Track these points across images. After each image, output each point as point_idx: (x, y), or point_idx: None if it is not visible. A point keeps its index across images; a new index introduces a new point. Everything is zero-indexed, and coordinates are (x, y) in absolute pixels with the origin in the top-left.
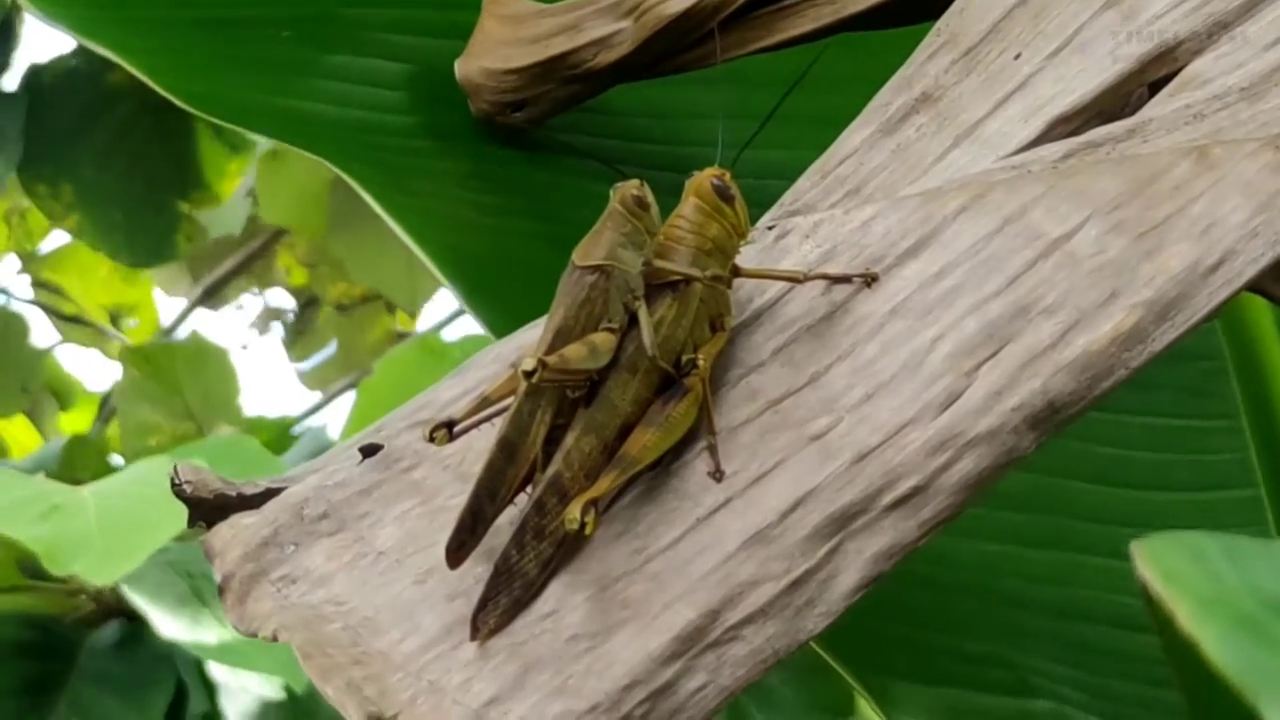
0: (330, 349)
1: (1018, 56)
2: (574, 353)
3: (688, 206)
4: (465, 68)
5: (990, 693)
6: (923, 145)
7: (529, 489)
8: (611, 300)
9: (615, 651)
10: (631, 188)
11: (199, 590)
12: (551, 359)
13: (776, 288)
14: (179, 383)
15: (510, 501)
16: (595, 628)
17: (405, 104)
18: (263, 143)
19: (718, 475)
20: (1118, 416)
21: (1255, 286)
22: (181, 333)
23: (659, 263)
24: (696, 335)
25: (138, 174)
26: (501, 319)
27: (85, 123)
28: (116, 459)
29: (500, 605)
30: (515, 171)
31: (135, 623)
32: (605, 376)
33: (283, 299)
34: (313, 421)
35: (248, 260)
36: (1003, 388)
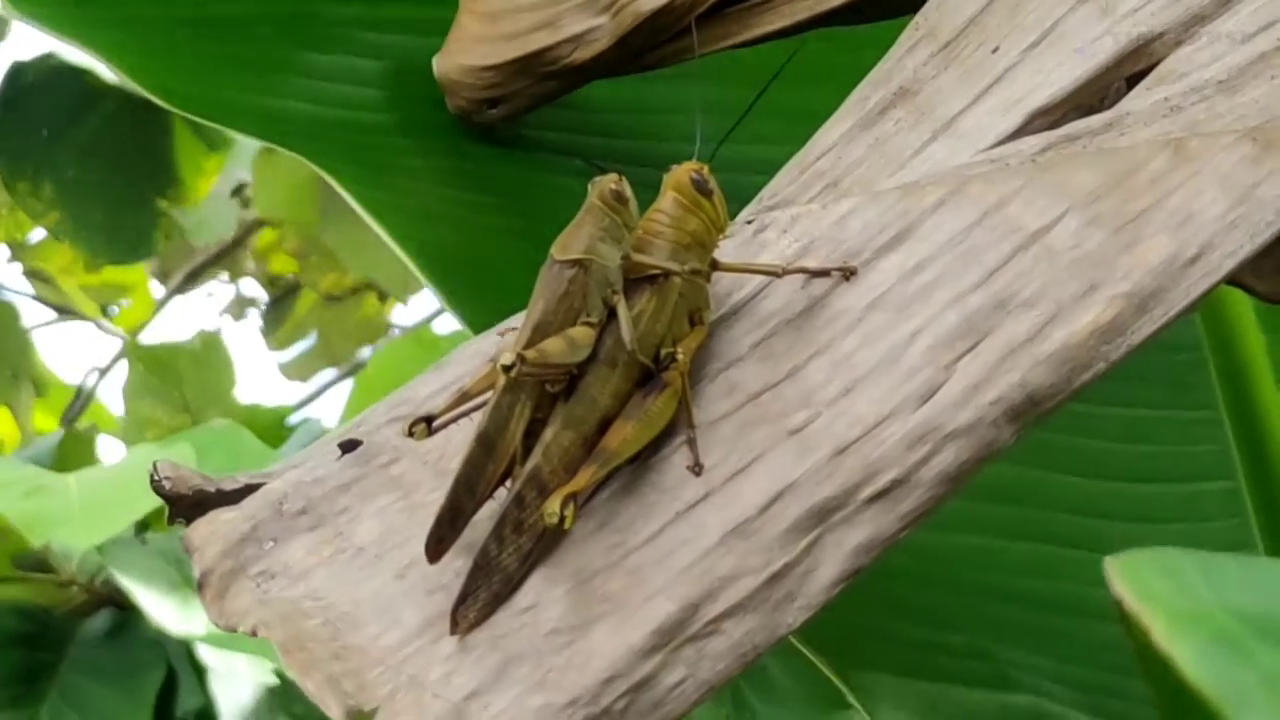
0: (310, 340)
1: (995, 50)
2: (553, 347)
3: (666, 201)
4: (443, 64)
5: (970, 686)
6: (901, 139)
7: (508, 483)
8: (590, 294)
9: (595, 645)
10: (610, 182)
11: (188, 577)
12: (530, 353)
13: (754, 282)
14: (180, 379)
15: (489, 496)
16: (575, 621)
17: (383, 101)
18: (249, 142)
19: (697, 469)
20: (1098, 408)
21: (1233, 279)
22: (160, 320)
23: (638, 257)
24: (675, 329)
25: (118, 172)
26: (480, 316)
27: (67, 121)
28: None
29: (480, 599)
30: (492, 169)
31: (125, 612)
32: (584, 371)
33: (255, 288)
34: (307, 412)
35: (225, 250)
36: (981, 381)
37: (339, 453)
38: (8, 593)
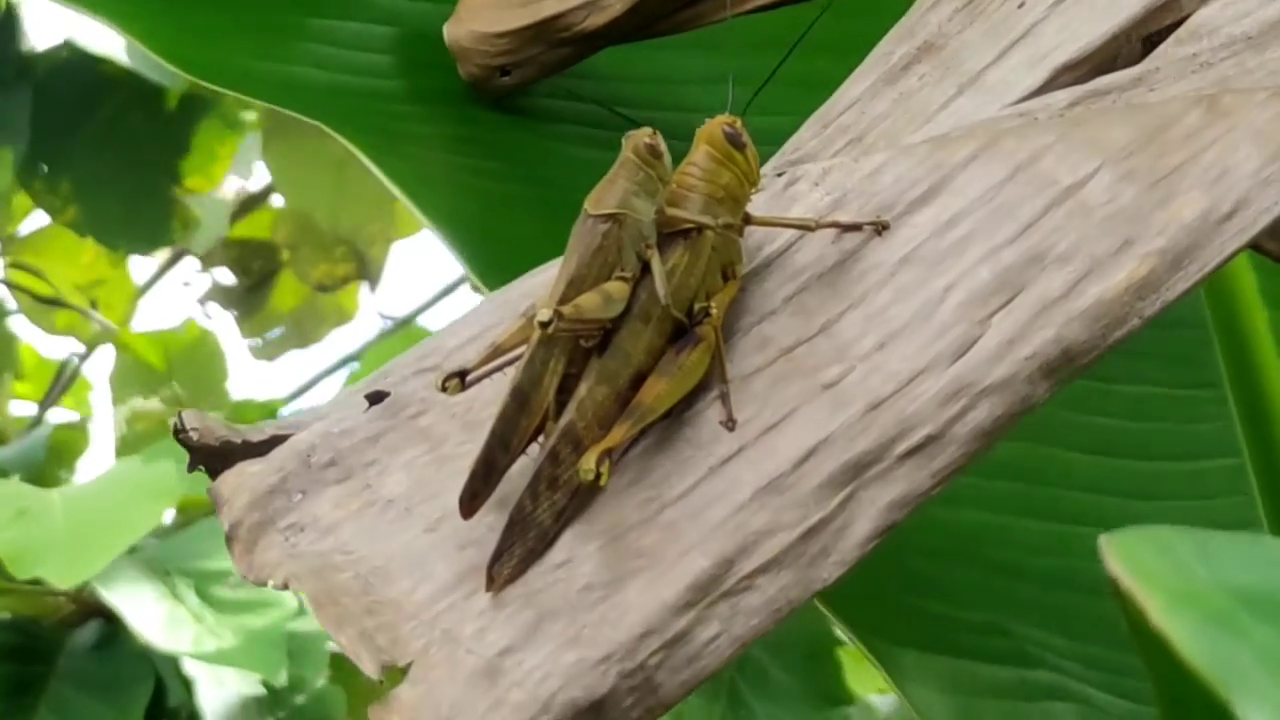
0: (280, 325)
1: (1021, 5)
2: (589, 302)
3: (699, 154)
4: (454, 31)
5: (991, 663)
6: (926, 94)
7: (540, 439)
8: (625, 249)
9: (629, 601)
10: (644, 136)
11: (175, 590)
12: (567, 309)
13: (786, 235)
14: (170, 370)
15: (522, 451)
16: (609, 577)
17: (395, 68)
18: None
19: (730, 424)
20: (1105, 385)
21: (1252, 243)
22: (143, 308)
23: (672, 211)
24: (709, 283)
25: (132, 162)
26: (497, 281)
27: (81, 113)
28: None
29: (515, 555)
30: (505, 136)
31: (114, 622)
32: (618, 326)
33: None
34: (299, 405)
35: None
36: (1016, 336)
37: (366, 404)
38: None
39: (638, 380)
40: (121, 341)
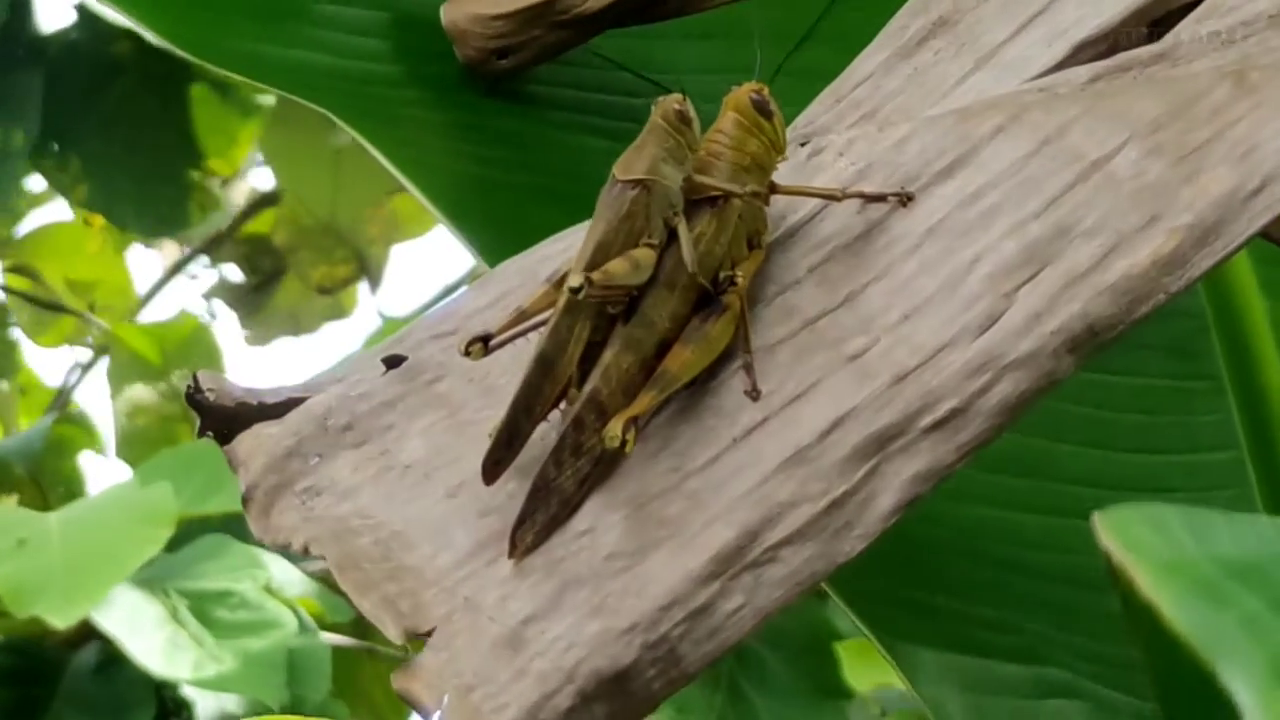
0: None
1: None
2: (617, 268)
3: (727, 121)
4: (452, 13)
5: (1003, 660)
6: (941, 69)
7: (562, 406)
8: (652, 215)
9: (653, 571)
10: (674, 102)
11: (175, 613)
12: (596, 275)
13: (810, 205)
14: (166, 362)
15: (543, 418)
16: (632, 546)
17: (394, 53)
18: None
19: (754, 394)
20: (1105, 377)
21: (1261, 231)
22: (152, 309)
23: (699, 178)
24: (735, 252)
25: (142, 143)
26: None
27: (92, 94)
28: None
29: (537, 523)
30: (506, 123)
31: (115, 643)
32: (644, 293)
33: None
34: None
35: (217, 238)
36: (1042, 310)
37: (383, 368)
38: None
39: (663, 348)
40: (117, 335)
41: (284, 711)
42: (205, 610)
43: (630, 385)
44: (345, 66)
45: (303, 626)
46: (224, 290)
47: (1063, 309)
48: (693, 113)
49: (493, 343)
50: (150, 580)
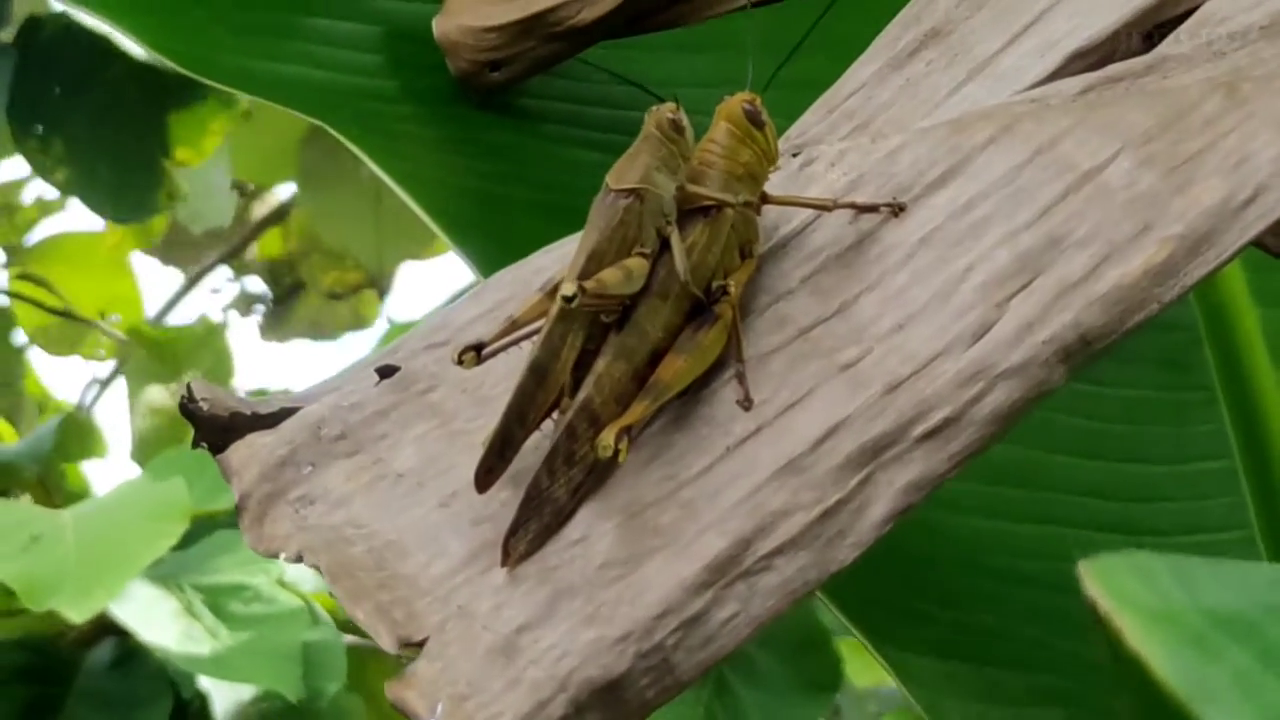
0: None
1: None
2: (610, 277)
3: (719, 131)
4: (444, 25)
5: (996, 667)
6: (934, 80)
7: (555, 415)
8: (645, 224)
9: (647, 579)
10: (668, 111)
11: (190, 604)
12: (590, 283)
13: (802, 215)
14: (180, 364)
15: (537, 427)
16: (626, 555)
17: (387, 67)
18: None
19: (746, 404)
20: (1099, 389)
21: (1255, 239)
22: (170, 320)
23: (692, 187)
24: (727, 262)
25: (127, 132)
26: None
27: (81, 78)
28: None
29: (530, 531)
30: (499, 137)
31: (130, 639)
32: (636, 302)
33: (258, 285)
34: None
35: (233, 250)
36: (1035, 320)
37: (376, 378)
38: (10, 626)
39: (655, 357)
40: (141, 334)
41: (302, 702)
42: (219, 604)
43: (623, 394)
44: (339, 81)
45: (317, 620)
46: (244, 303)
47: (1055, 319)
48: (686, 122)
49: (485, 352)
50: (164, 575)
